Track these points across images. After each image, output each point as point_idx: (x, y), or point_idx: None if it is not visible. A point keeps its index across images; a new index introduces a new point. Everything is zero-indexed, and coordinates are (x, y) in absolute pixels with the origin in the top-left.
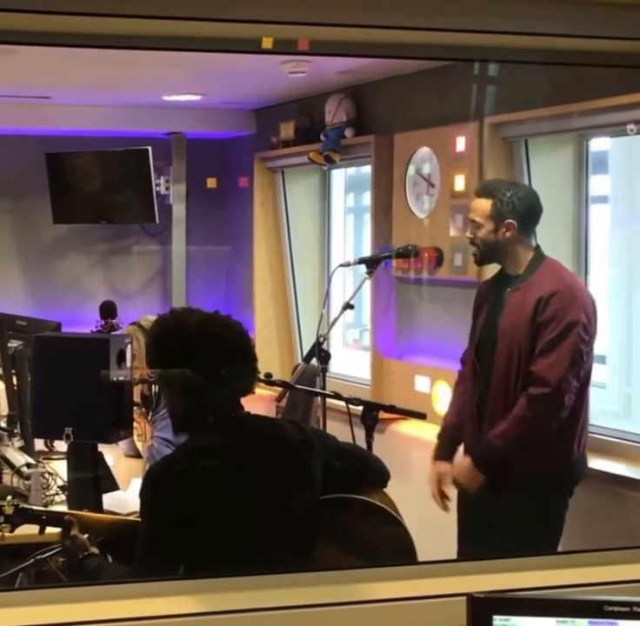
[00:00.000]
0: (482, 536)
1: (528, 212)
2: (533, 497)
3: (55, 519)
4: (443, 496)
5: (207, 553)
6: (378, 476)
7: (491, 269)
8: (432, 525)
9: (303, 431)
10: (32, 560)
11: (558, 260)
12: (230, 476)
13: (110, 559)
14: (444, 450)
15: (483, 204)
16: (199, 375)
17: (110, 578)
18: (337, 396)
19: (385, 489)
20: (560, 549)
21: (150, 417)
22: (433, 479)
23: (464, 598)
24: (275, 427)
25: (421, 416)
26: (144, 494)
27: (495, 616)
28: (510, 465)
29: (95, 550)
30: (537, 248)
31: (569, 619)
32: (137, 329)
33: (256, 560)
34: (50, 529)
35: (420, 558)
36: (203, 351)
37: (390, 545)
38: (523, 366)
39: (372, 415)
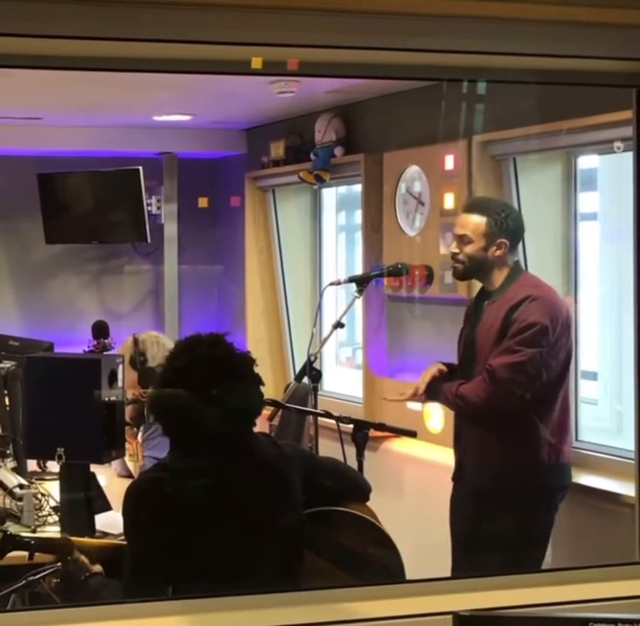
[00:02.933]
0: (473, 550)
1: (518, 232)
2: (516, 511)
3: (43, 545)
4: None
5: (190, 572)
6: (360, 489)
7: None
8: (423, 543)
9: (275, 444)
10: (24, 581)
11: (534, 274)
12: (208, 493)
13: None
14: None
15: (476, 221)
16: (191, 396)
17: (107, 597)
18: (328, 415)
19: (373, 505)
20: (550, 563)
21: (140, 436)
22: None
23: (450, 617)
24: (249, 441)
25: (411, 435)
26: (123, 511)
27: None
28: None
29: (98, 569)
30: (516, 263)
31: None
32: (131, 339)
33: (241, 578)
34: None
35: (412, 576)
36: (201, 376)
37: (376, 557)
38: None
39: (363, 433)
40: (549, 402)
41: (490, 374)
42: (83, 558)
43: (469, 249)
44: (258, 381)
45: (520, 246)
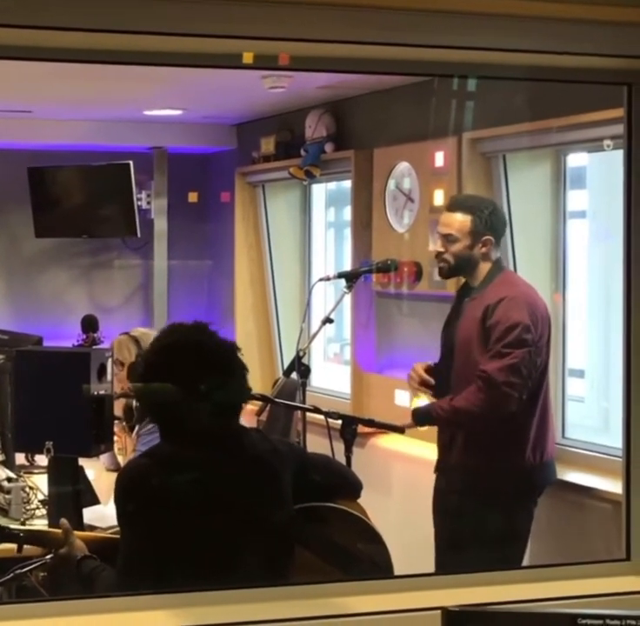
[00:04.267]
0: (456, 547)
1: (501, 228)
2: (496, 506)
3: (33, 537)
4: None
5: (180, 566)
6: (351, 486)
7: None
8: (410, 539)
9: (267, 440)
10: (12, 575)
11: (513, 272)
12: (196, 486)
13: None
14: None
15: (461, 219)
16: (179, 390)
17: (100, 585)
18: (316, 410)
19: (363, 503)
20: (530, 560)
21: (135, 432)
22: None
23: (439, 612)
24: (240, 436)
25: (400, 431)
26: (116, 499)
27: None
28: (473, 463)
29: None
30: (498, 260)
31: None
32: (129, 339)
33: (230, 572)
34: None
35: (400, 572)
36: (184, 366)
37: (365, 553)
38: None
39: (351, 428)
40: (532, 400)
41: (486, 380)
42: (79, 542)
43: (455, 247)
44: (243, 368)
45: (505, 243)
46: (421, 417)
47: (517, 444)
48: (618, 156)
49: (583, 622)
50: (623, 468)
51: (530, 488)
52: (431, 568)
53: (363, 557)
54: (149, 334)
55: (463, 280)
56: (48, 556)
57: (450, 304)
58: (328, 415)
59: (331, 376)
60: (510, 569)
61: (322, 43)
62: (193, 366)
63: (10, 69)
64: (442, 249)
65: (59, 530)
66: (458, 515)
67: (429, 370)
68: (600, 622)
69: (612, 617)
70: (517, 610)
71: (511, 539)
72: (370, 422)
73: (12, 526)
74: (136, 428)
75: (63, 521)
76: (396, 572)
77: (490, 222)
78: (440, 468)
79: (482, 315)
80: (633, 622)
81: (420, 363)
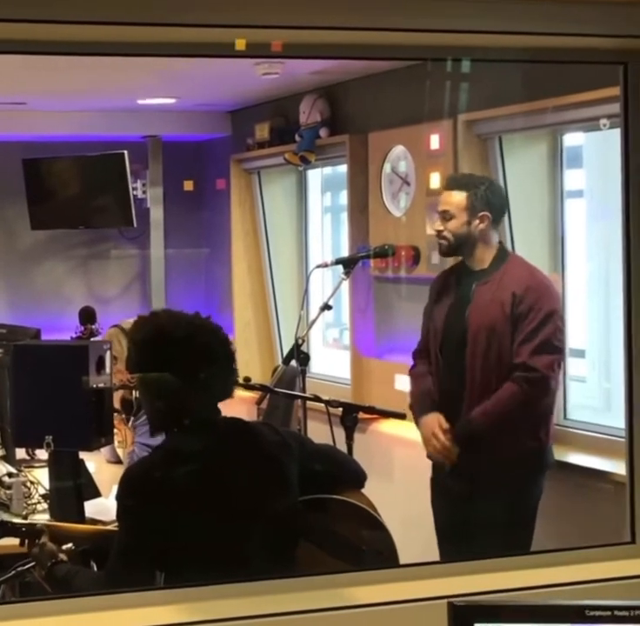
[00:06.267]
0: (459, 533)
1: (500, 206)
2: (504, 490)
3: (35, 531)
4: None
5: (185, 559)
6: (355, 476)
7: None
8: (413, 524)
9: (277, 433)
10: (14, 572)
11: (520, 256)
12: (205, 479)
13: (95, 568)
14: (427, 409)
15: (457, 197)
16: (178, 378)
17: (81, 585)
18: (317, 399)
19: (364, 489)
20: (537, 543)
21: (131, 423)
22: (427, 430)
23: (445, 601)
24: (250, 430)
25: (400, 417)
26: (120, 497)
27: (476, 624)
28: (486, 448)
29: (63, 558)
30: (502, 244)
31: (551, 625)
32: (119, 331)
33: (236, 565)
34: None
35: (401, 557)
36: (183, 354)
37: (370, 545)
38: (504, 359)
39: (352, 416)
40: None
41: (533, 377)
42: (51, 545)
43: (451, 225)
44: (231, 357)
45: (505, 224)
46: (467, 436)
47: (537, 426)
48: (615, 134)
49: (592, 613)
50: (627, 449)
51: (541, 470)
52: (435, 552)
53: (368, 549)
54: None
55: (453, 265)
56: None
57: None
58: (328, 403)
59: (331, 362)
60: (515, 555)
61: (314, 29)
62: (190, 352)
63: (3, 62)
64: (440, 228)
65: (62, 524)
66: (469, 499)
67: (446, 432)
68: (608, 613)
69: (620, 608)
70: (524, 603)
71: (523, 523)
72: (370, 410)
73: (14, 520)
74: (132, 419)
75: (39, 525)
76: (401, 557)
77: (486, 198)
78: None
79: (508, 302)
80: None
81: (439, 428)
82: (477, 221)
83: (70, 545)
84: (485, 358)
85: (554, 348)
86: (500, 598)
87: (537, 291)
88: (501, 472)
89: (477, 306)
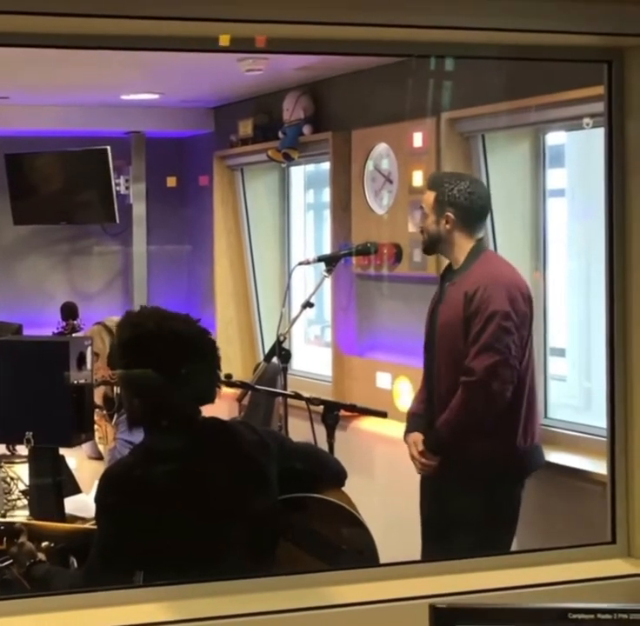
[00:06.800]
0: (442, 533)
1: (469, 205)
2: (484, 490)
3: (14, 530)
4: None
5: (164, 558)
6: (335, 475)
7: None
8: (394, 522)
9: (256, 433)
10: None
11: (495, 254)
12: (184, 479)
13: (75, 564)
14: (411, 429)
15: (428, 196)
16: (160, 375)
17: (60, 585)
18: (298, 396)
19: (345, 487)
20: (516, 543)
21: (114, 420)
22: (410, 448)
23: (428, 601)
24: (228, 429)
25: (382, 415)
26: (98, 497)
27: None
28: (458, 452)
29: (42, 557)
30: (478, 241)
31: None
32: (102, 328)
33: (215, 564)
34: None
35: (382, 555)
36: (167, 352)
37: (350, 544)
38: (459, 358)
39: (333, 414)
40: (520, 383)
41: (475, 381)
42: (29, 545)
43: (424, 223)
44: (215, 359)
45: (486, 223)
46: (436, 446)
47: (508, 428)
48: (596, 134)
49: (574, 616)
50: (608, 449)
51: (520, 472)
52: (415, 550)
53: (347, 548)
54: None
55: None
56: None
57: (430, 286)
58: (309, 401)
59: (312, 359)
60: (496, 554)
61: (298, 24)
62: (175, 351)
63: None
64: (421, 225)
65: (41, 522)
66: (447, 500)
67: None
68: (591, 616)
69: (603, 611)
70: (506, 606)
71: (502, 524)
72: (352, 408)
73: None
74: (115, 416)
75: (18, 524)
76: (382, 556)
77: (453, 197)
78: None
79: (462, 302)
80: (624, 616)
81: (415, 449)
82: (443, 220)
83: (48, 543)
84: (447, 358)
85: (494, 349)
86: (482, 601)
87: (485, 291)
88: (478, 474)
89: (444, 305)
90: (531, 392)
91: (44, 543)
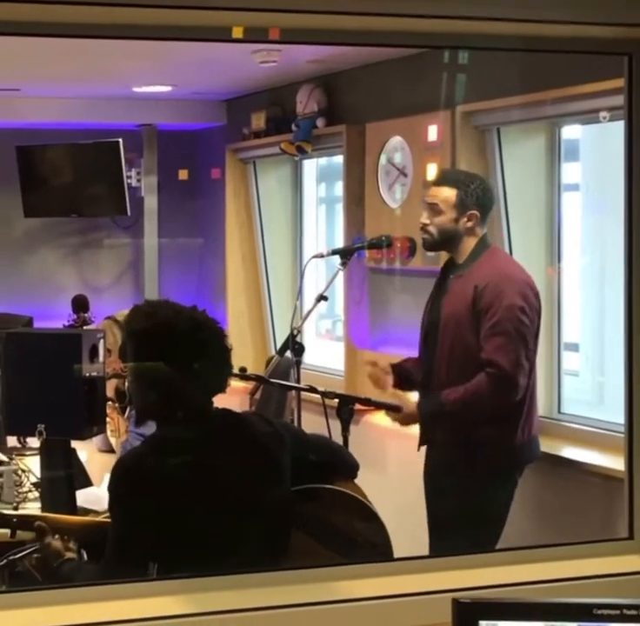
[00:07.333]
0: (440, 525)
1: (488, 204)
2: (478, 482)
3: (27, 522)
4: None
5: (178, 550)
6: (348, 467)
7: None
8: (407, 515)
9: (270, 424)
10: (5, 561)
11: (500, 248)
12: (198, 470)
13: (86, 558)
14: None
15: (447, 193)
16: (172, 368)
17: (82, 580)
18: (313, 390)
19: (357, 480)
20: (530, 538)
21: (127, 413)
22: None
23: (444, 595)
24: (242, 421)
25: (397, 409)
26: (111, 487)
27: (481, 621)
28: (448, 434)
29: (71, 555)
30: (483, 236)
31: (558, 623)
32: (113, 323)
33: (228, 556)
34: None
35: (395, 549)
36: (178, 344)
37: (364, 536)
38: (466, 352)
39: (348, 408)
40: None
41: (497, 373)
42: (56, 543)
43: (438, 220)
44: (226, 350)
45: (500, 216)
46: (429, 410)
47: (511, 421)
48: (612, 128)
49: (600, 612)
50: (626, 445)
51: (515, 464)
52: (427, 544)
53: (361, 540)
54: None
55: (448, 258)
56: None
57: None
58: (324, 394)
59: (323, 353)
60: (514, 549)
61: (313, 14)
62: (186, 343)
63: None
64: (427, 221)
65: (53, 515)
66: (445, 494)
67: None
68: (617, 611)
69: (629, 606)
70: (530, 600)
71: (492, 518)
72: (366, 402)
73: (5, 511)
74: (127, 409)
75: (39, 523)
76: (395, 551)
77: (476, 196)
78: (428, 446)
79: (471, 295)
80: None
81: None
82: (465, 218)
83: (74, 542)
84: (452, 351)
85: (517, 342)
86: (505, 595)
87: (497, 286)
88: (474, 466)
89: (449, 298)
90: (532, 387)
91: (72, 544)
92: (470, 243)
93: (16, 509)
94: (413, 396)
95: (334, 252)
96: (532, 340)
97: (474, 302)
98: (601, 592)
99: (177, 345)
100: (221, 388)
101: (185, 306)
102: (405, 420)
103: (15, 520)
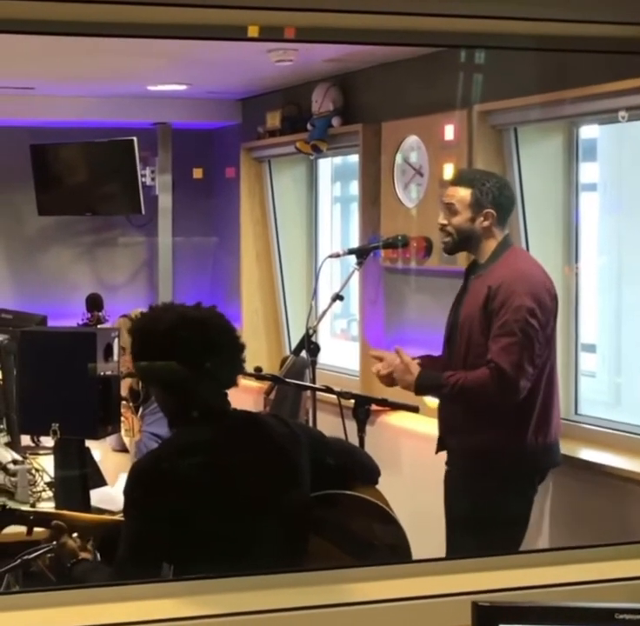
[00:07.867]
0: (456, 527)
1: (505, 201)
2: (492, 489)
3: (43, 520)
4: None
5: (194, 551)
6: (369, 472)
7: None
8: (423, 517)
9: (287, 425)
10: (19, 561)
11: (522, 249)
12: (215, 472)
13: (99, 557)
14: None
15: (462, 193)
16: (184, 367)
17: (100, 581)
18: (329, 390)
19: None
20: (548, 541)
21: (140, 412)
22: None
23: (463, 598)
24: (259, 422)
25: (414, 410)
26: (127, 490)
27: (501, 625)
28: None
29: (86, 556)
30: (505, 237)
31: None
32: (128, 321)
33: (244, 558)
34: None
35: (412, 550)
36: (186, 343)
37: (383, 541)
38: (479, 352)
39: (364, 409)
40: (536, 380)
41: (497, 373)
42: (71, 543)
43: (456, 220)
44: (237, 345)
45: (517, 217)
46: (426, 384)
47: (519, 426)
48: (630, 127)
49: (622, 616)
50: None
51: (529, 471)
52: (444, 546)
53: (380, 544)
54: None
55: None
56: (53, 543)
57: (460, 280)
58: (341, 395)
59: (338, 353)
60: (533, 551)
61: (329, 12)
62: (199, 343)
63: (11, 45)
64: (444, 222)
65: (69, 513)
66: (463, 499)
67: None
68: (638, 616)
69: None
70: (550, 604)
71: (508, 524)
72: (383, 402)
73: (22, 508)
74: (141, 409)
75: (56, 522)
76: (413, 553)
77: (492, 195)
78: (442, 448)
79: (484, 296)
80: None
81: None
82: (482, 218)
83: (90, 542)
84: (467, 351)
85: (520, 344)
86: (524, 598)
87: (510, 286)
88: (487, 469)
89: (468, 299)
90: (549, 390)
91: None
92: (491, 244)
93: (32, 507)
94: (430, 398)
95: (350, 252)
96: (541, 343)
97: (486, 302)
98: (622, 596)
99: (185, 349)
100: (233, 381)
101: (188, 306)
102: (398, 369)
103: (32, 517)
